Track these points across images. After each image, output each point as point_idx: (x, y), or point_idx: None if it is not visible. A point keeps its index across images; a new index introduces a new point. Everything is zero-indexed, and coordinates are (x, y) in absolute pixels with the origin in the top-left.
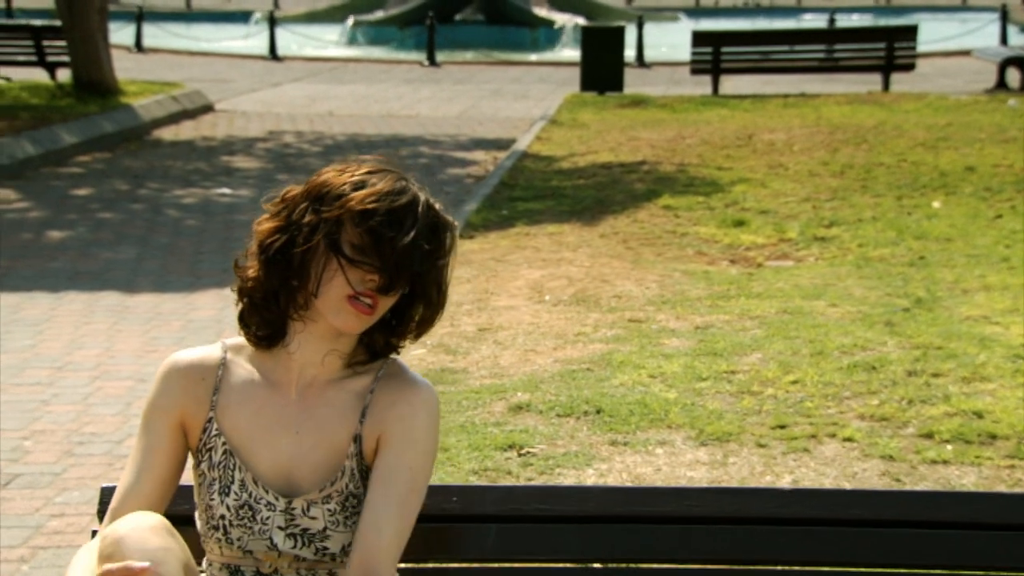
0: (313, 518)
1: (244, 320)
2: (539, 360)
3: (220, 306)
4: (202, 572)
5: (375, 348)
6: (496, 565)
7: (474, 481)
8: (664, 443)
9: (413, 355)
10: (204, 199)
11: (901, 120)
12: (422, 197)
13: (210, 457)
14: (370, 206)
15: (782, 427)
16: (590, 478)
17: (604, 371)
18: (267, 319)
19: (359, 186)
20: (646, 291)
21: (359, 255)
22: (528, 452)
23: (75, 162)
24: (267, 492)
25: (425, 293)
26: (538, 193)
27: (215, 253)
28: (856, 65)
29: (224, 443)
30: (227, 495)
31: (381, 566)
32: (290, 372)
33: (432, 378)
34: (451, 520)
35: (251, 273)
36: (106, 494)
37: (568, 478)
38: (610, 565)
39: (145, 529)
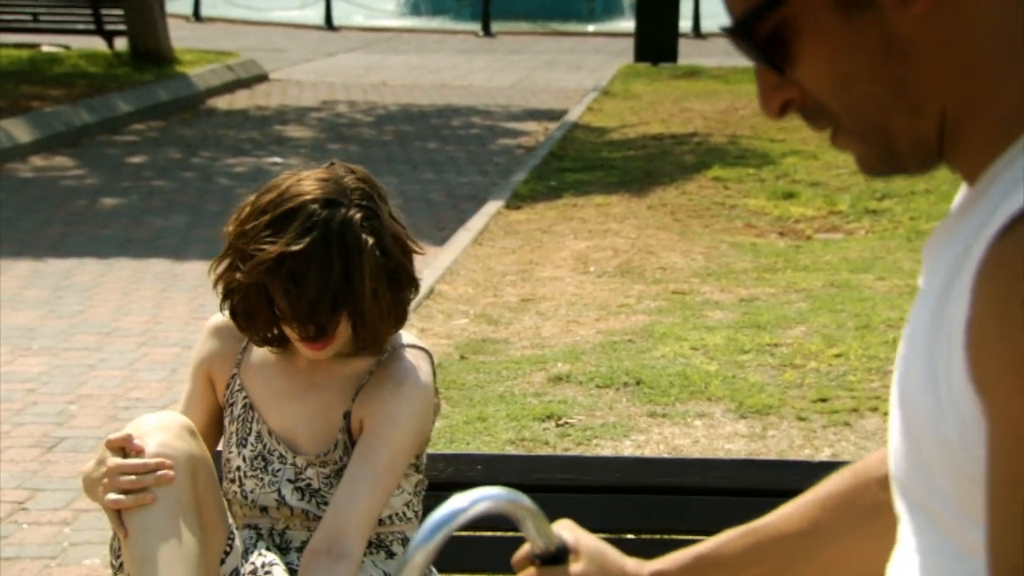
0: (312, 478)
1: (250, 337)
2: (581, 331)
3: None
4: (230, 540)
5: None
6: (521, 535)
7: (510, 451)
8: (703, 415)
9: (454, 325)
10: (256, 168)
11: None
12: (335, 221)
13: (231, 411)
14: (273, 267)
15: (823, 400)
16: (627, 449)
17: (646, 343)
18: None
19: (272, 237)
20: (692, 263)
21: (283, 312)
22: (566, 423)
23: (130, 130)
24: (279, 444)
25: (362, 314)
26: (587, 164)
27: None
28: None
29: (245, 397)
30: (244, 447)
31: (349, 536)
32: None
33: (473, 348)
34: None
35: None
36: None
37: (605, 449)
38: (643, 536)
39: (165, 422)
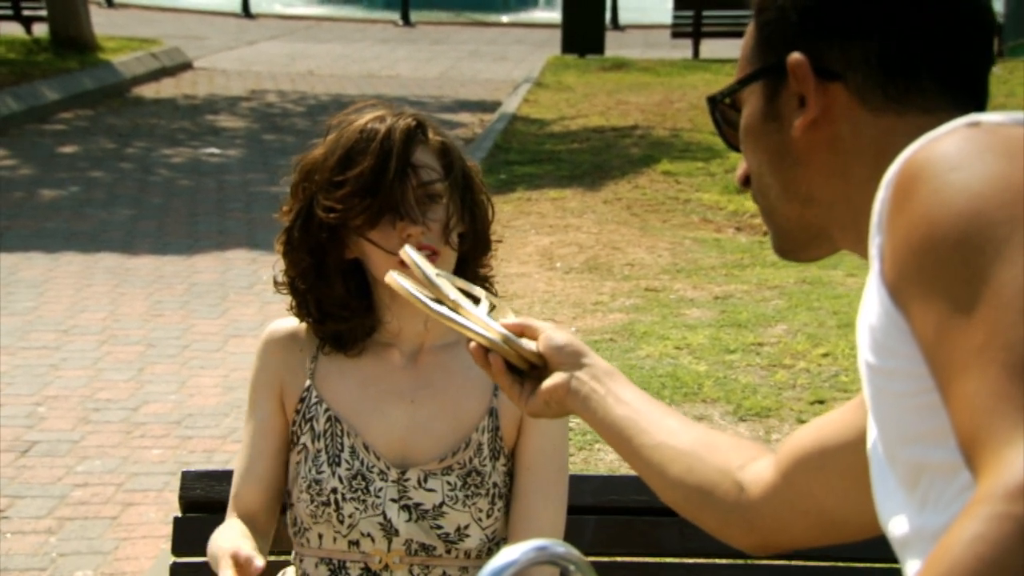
0: (430, 490)
1: (324, 337)
2: None
3: (221, 269)
4: (285, 571)
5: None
6: (595, 559)
7: None
8: (702, 418)
9: None
10: (193, 159)
11: None
12: (404, 118)
13: (312, 428)
14: (353, 191)
15: (821, 402)
16: None
17: (628, 342)
18: (348, 326)
19: (344, 171)
20: (658, 259)
21: (368, 209)
22: None
23: (58, 119)
24: (379, 459)
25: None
26: (534, 157)
27: (211, 215)
28: None
29: (327, 410)
30: (338, 465)
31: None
32: (393, 339)
33: None
34: None
35: (303, 286)
36: (187, 479)
37: (610, 453)
38: (716, 560)
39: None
